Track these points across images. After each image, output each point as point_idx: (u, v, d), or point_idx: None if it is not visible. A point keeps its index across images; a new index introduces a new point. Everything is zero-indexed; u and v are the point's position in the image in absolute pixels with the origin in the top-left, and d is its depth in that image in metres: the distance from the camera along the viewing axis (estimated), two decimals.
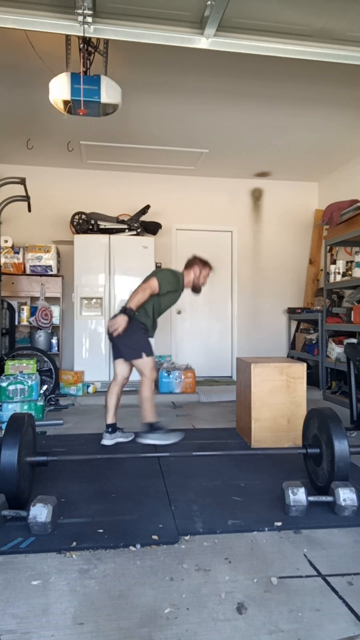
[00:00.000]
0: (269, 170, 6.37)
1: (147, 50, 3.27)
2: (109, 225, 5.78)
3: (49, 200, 6.07)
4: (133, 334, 3.33)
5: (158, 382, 5.49)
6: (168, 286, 3.41)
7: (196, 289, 3.62)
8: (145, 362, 3.34)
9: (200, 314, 6.66)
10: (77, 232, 5.71)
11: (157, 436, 3.27)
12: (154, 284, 3.36)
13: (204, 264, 3.61)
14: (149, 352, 3.38)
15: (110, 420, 3.45)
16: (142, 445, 3.44)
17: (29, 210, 5.13)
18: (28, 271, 5.74)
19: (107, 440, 3.41)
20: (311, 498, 2.26)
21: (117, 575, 1.74)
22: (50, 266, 5.75)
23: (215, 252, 6.67)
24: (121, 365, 3.49)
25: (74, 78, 3.00)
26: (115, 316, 3.32)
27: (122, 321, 3.24)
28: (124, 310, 3.27)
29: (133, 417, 4.52)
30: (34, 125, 4.92)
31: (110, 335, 3.39)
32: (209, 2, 2.51)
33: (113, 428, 3.46)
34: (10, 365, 4.34)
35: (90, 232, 5.71)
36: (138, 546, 1.95)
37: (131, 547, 1.94)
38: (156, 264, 5.85)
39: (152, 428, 3.31)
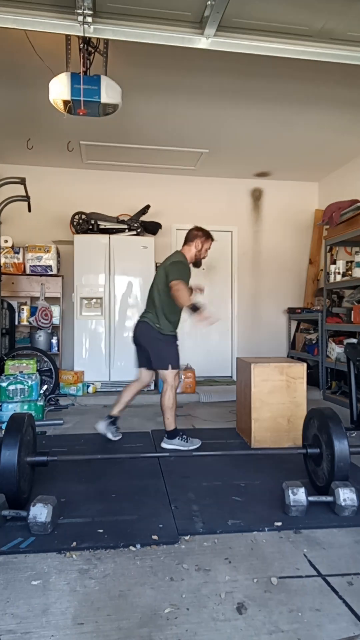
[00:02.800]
0: (269, 170, 6.37)
1: (147, 50, 3.27)
2: (109, 225, 5.78)
3: (49, 200, 6.07)
4: (164, 346, 3.43)
5: (158, 382, 5.50)
6: (186, 276, 3.36)
7: (197, 264, 3.56)
8: (169, 373, 3.41)
9: None
10: (77, 232, 5.71)
11: (179, 442, 3.37)
12: (176, 282, 3.22)
13: (207, 236, 3.51)
14: (175, 365, 3.45)
15: (115, 412, 3.55)
16: (142, 445, 3.45)
17: (29, 210, 5.13)
18: (28, 271, 5.74)
19: (100, 426, 3.51)
20: (311, 498, 2.26)
21: (117, 575, 1.74)
22: (50, 266, 5.75)
23: (215, 252, 6.63)
24: (145, 372, 3.60)
25: (74, 78, 3.00)
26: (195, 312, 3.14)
27: (202, 316, 3.11)
28: (194, 307, 3.11)
29: (134, 417, 4.53)
30: (34, 125, 4.92)
31: (137, 342, 3.50)
32: (209, 2, 2.51)
33: (113, 421, 3.54)
34: (10, 365, 4.34)
35: (90, 232, 5.71)
36: (138, 546, 1.95)
37: (131, 547, 1.94)
38: (156, 264, 5.84)
39: (174, 435, 3.40)
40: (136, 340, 3.56)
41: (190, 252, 3.50)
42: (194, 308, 3.13)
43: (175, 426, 3.42)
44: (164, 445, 3.40)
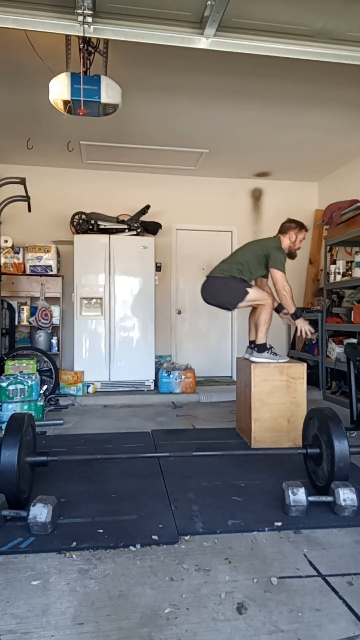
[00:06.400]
0: (269, 170, 6.37)
1: (147, 50, 3.27)
2: (109, 225, 5.78)
3: (49, 200, 6.07)
4: (222, 288, 3.53)
5: (158, 382, 5.51)
6: (284, 263, 3.49)
7: (292, 255, 3.63)
8: (252, 295, 3.48)
9: (200, 314, 6.66)
10: (77, 232, 5.71)
11: (268, 355, 3.53)
12: (282, 275, 3.42)
13: (300, 227, 3.61)
14: (249, 285, 3.51)
15: (251, 337, 3.77)
16: (142, 445, 3.45)
17: (29, 210, 5.13)
18: (28, 271, 5.74)
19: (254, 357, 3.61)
20: (311, 498, 2.25)
21: (117, 575, 1.74)
22: (50, 266, 5.75)
23: (215, 252, 6.65)
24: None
25: (74, 78, 3.00)
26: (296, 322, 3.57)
27: (304, 324, 3.50)
28: (296, 315, 3.47)
29: (134, 417, 4.53)
30: (34, 125, 4.92)
31: (207, 301, 3.69)
32: (209, 2, 2.51)
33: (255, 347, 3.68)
34: (10, 365, 4.34)
35: (90, 232, 5.71)
36: (138, 546, 1.95)
37: (131, 547, 1.94)
38: (156, 263, 5.85)
39: (262, 348, 3.56)
40: (206, 300, 3.69)
41: (284, 243, 3.58)
42: (297, 315, 3.46)
43: (265, 341, 3.56)
44: (253, 358, 3.56)
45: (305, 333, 3.55)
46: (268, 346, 3.60)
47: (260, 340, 3.58)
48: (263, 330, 3.57)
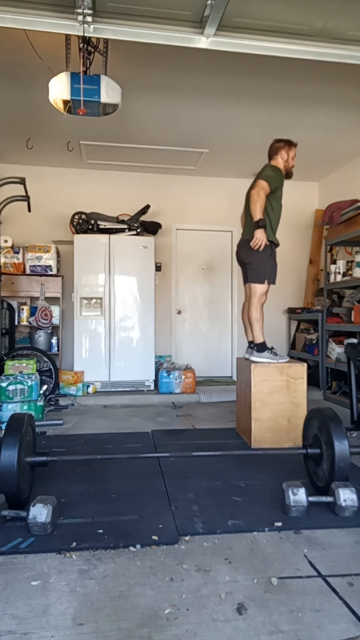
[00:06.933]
0: None
1: (147, 50, 3.27)
2: (109, 225, 5.78)
3: (49, 200, 6.07)
4: (260, 259, 3.52)
5: (158, 382, 5.50)
6: (276, 182, 3.43)
7: (288, 175, 3.58)
8: (260, 287, 3.55)
9: (200, 314, 6.66)
10: (77, 232, 5.71)
11: (268, 355, 3.52)
12: (263, 184, 3.35)
13: (289, 144, 3.56)
14: (271, 280, 3.60)
15: (250, 337, 3.73)
16: (142, 445, 3.45)
17: (29, 210, 5.13)
18: (28, 271, 5.74)
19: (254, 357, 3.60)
20: (311, 498, 2.25)
21: (117, 576, 1.74)
22: (50, 266, 5.75)
23: (215, 252, 6.69)
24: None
25: (74, 78, 3.01)
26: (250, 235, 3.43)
27: (262, 235, 3.37)
28: (258, 224, 3.35)
29: (134, 417, 4.53)
30: (34, 125, 4.92)
31: (239, 260, 3.72)
32: (209, 2, 2.51)
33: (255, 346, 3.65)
34: (10, 365, 4.33)
35: (90, 232, 5.70)
36: (138, 546, 1.95)
37: (131, 548, 1.94)
38: (156, 263, 5.85)
39: (262, 348, 3.55)
40: (238, 258, 3.76)
41: (279, 164, 3.54)
42: (259, 224, 3.32)
43: (263, 339, 3.54)
44: (253, 358, 3.54)
45: (258, 244, 3.42)
46: (269, 346, 3.58)
47: (258, 339, 3.58)
48: (257, 328, 3.57)
